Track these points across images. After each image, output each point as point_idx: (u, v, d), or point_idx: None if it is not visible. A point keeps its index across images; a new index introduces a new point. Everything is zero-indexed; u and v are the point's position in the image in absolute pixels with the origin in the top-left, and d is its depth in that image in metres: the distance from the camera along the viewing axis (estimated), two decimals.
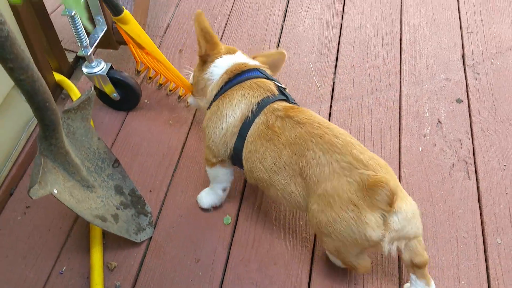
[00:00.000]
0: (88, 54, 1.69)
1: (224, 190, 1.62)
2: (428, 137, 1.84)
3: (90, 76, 1.76)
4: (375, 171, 1.26)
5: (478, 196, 1.67)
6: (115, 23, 1.70)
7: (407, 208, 1.28)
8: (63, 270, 1.50)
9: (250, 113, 1.43)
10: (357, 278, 1.49)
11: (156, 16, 2.31)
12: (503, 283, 1.48)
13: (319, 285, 1.48)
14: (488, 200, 1.66)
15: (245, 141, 1.44)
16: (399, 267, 1.51)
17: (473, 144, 1.81)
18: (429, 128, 1.87)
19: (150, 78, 1.97)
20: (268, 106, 1.42)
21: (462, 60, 2.10)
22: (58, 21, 2.05)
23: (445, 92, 1.98)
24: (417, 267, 1.35)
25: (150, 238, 1.57)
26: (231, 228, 1.60)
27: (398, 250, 1.32)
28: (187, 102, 1.93)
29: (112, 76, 1.78)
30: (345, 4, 2.37)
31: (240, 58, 1.57)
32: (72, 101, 1.88)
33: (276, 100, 1.44)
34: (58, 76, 1.92)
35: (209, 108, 1.54)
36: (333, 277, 1.50)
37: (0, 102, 1.58)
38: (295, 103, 1.51)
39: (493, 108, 1.91)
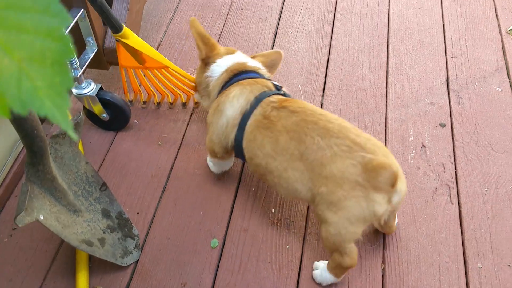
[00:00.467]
0: (78, 75, 1.71)
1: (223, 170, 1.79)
2: (412, 161, 1.87)
3: (80, 97, 1.77)
4: (374, 153, 1.36)
5: (460, 220, 1.70)
6: (118, 41, 1.73)
7: (403, 187, 1.41)
8: None
9: (248, 106, 1.54)
10: None
11: (147, 35, 2.33)
12: None
13: None
14: (470, 224, 1.69)
15: (245, 132, 1.54)
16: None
17: (455, 168, 1.85)
18: (414, 151, 1.90)
19: (144, 102, 2.02)
20: (265, 100, 1.53)
21: (446, 84, 2.14)
22: None
23: (429, 116, 2.02)
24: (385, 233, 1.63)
25: (137, 261, 1.57)
26: (218, 251, 1.62)
27: None
28: (195, 102, 2.03)
29: (101, 97, 1.79)
30: (334, 27, 2.42)
31: (240, 58, 1.70)
32: None
33: (273, 94, 1.56)
34: None
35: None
36: None
37: None
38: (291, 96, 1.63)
39: (475, 132, 1.95)
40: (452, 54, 2.27)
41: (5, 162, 1.72)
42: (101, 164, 1.84)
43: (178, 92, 1.97)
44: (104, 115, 1.85)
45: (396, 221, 1.66)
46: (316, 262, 1.59)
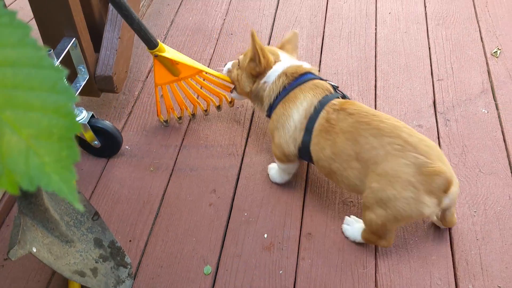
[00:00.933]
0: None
1: (290, 174, 1.85)
2: None
3: None
4: (427, 154, 1.44)
5: (450, 242, 1.72)
6: (156, 56, 1.82)
7: (456, 189, 1.49)
8: None
9: (312, 110, 1.64)
10: None
11: (138, 61, 2.35)
12: None
13: None
14: (460, 246, 1.71)
15: (311, 136, 1.64)
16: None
17: None
18: None
19: (180, 118, 2.06)
20: (328, 103, 1.63)
21: (433, 106, 2.18)
22: None
23: None
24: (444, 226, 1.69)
25: None
26: (211, 278, 1.62)
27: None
28: (230, 102, 2.09)
29: (93, 125, 1.80)
30: (322, 51, 2.45)
31: (288, 61, 1.78)
32: None
33: (334, 98, 1.66)
34: None
35: (270, 111, 1.77)
36: None
37: None
38: (349, 98, 1.74)
39: (463, 154, 1.99)
40: (438, 76, 2.32)
41: None
42: (92, 191, 1.84)
43: (210, 97, 2.02)
44: (96, 142, 1.85)
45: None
46: (347, 218, 1.73)
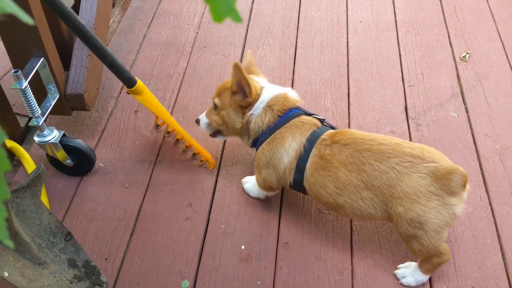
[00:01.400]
0: (40, 124, 1.70)
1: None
2: None
3: (42, 145, 1.76)
4: (434, 160, 1.47)
5: None
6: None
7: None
8: None
9: (302, 148, 1.62)
10: None
11: (111, 77, 2.34)
12: None
13: None
14: None
15: (304, 175, 1.63)
16: None
17: None
18: None
19: (168, 132, 2.07)
20: (318, 140, 1.62)
21: (405, 112, 2.22)
22: (9, 84, 2.06)
23: None
24: None
25: None
26: None
27: None
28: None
29: (65, 143, 1.79)
30: (296, 61, 2.48)
31: (271, 89, 1.72)
32: (24, 168, 1.87)
33: (323, 132, 1.64)
34: (9, 143, 1.91)
35: (254, 144, 1.75)
36: None
37: None
38: (336, 128, 1.72)
39: None
40: (409, 82, 2.36)
41: None
42: (66, 211, 1.83)
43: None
44: (68, 161, 1.84)
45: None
46: (397, 271, 1.67)
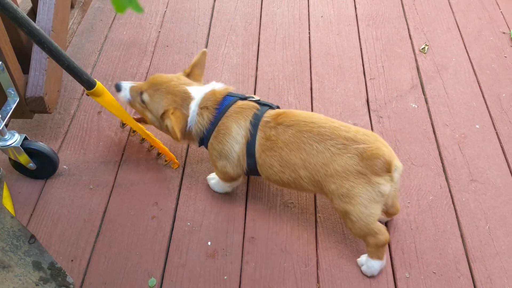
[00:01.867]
0: (0, 128, 1.69)
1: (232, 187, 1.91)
2: None
3: (4, 149, 1.75)
4: (365, 141, 1.58)
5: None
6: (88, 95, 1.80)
7: (398, 164, 1.61)
8: None
9: (249, 133, 1.69)
10: None
11: (72, 79, 2.31)
12: None
13: None
14: (395, 236, 1.79)
15: (255, 158, 1.70)
16: None
17: None
18: None
19: (134, 131, 2.07)
20: (261, 122, 1.69)
21: (367, 105, 2.27)
22: None
23: None
24: (389, 214, 1.78)
25: None
26: None
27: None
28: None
29: (27, 147, 1.78)
30: (259, 57, 2.51)
31: (198, 92, 1.73)
32: None
33: (263, 113, 1.71)
34: None
35: (201, 142, 1.79)
36: None
37: None
38: (278, 106, 1.79)
39: (395, 148, 2.08)
40: (370, 75, 2.41)
41: None
42: (31, 214, 1.82)
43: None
44: (31, 164, 1.83)
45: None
46: (358, 260, 1.73)
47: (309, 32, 2.66)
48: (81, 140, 2.08)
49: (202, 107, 1.71)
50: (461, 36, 2.63)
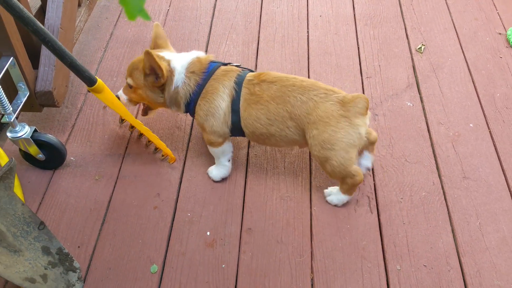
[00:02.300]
0: (12, 120, 1.78)
1: (229, 160, 1.99)
2: None
3: (15, 140, 1.84)
4: (342, 93, 1.77)
5: (380, 227, 1.87)
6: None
7: (369, 113, 1.81)
8: None
9: (233, 91, 1.82)
10: None
11: None
12: None
13: None
14: (388, 230, 1.86)
15: (240, 113, 1.83)
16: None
17: (374, 180, 2.03)
18: None
19: (132, 127, 2.14)
20: (244, 80, 1.83)
21: None
22: None
23: None
24: (371, 143, 1.93)
25: None
26: (158, 276, 1.72)
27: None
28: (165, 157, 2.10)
29: (36, 139, 1.87)
30: (258, 55, 2.59)
31: (180, 59, 1.86)
32: None
33: (246, 74, 1.86)
34: None
35: (187, 107, 1.89)
36: None
37: None
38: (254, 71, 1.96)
39: (390, 146, 2.15)
40: (367, 74, 2.48)
41: None
42: (40, 202, 1.91)
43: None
44: (40, 155, 1.92)
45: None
46: (326, 190, 1.96)
47: (308, 31, 2.73)
48: (88, 133, 2.16)
49: (190, 71, 1.85)
50: (457, 36, 2.70)
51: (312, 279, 1.73)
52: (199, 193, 1.97)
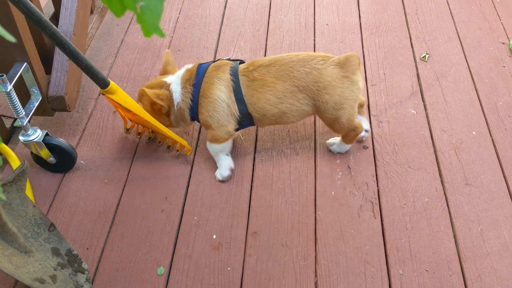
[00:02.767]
0: (24, 124, 1.83)
1: (228, 154, 2.06)
2: (339, 182, 2.07)
3: (27, 144, 1.89)
4: (333, 57, 1.90)
5: (383, 232, 1.90)
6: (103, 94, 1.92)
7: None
8: None
9: (231, 82, 1.89)
10: None
11: (90, 81, 2.45)
12: None
13: None
14: (391, 235, 1.89)
15: (245, 101, 1.90)
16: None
17: (377, 186, 2.06)
18: (340, 173, 2.11)
19: (139, 133, 2.20)
20: (239, 70, 1.90)
21: (367, 110, 2.37)
22: None
23: None
24: (361, 106, 2.15)
25: None
26: (164, 278, 1.75)
27: None
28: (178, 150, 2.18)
29: (48, 142, 1.92)
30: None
31: (175, 77, 1.98)
32: (10, 166, 2.00)
33: (238, 65, 1.93)
34: None
35: (192, 114, 1.96)
36: None
37: None
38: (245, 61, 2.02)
39: (394, 152, 2.18)
40: (372, 82, 2.52)
41: None
42: (50, 205, 1.95)
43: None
44: (51, 158, 1.97)
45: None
46: (328, 141, 2.16)
47: (314, 39, 2.77)
48: (97, 137, 2.21)
49: (183, 82, 1.93)
50: (461, 45, 2.73)
51: (316, 283, 1.75)
52: (206, 197, 2.01)
